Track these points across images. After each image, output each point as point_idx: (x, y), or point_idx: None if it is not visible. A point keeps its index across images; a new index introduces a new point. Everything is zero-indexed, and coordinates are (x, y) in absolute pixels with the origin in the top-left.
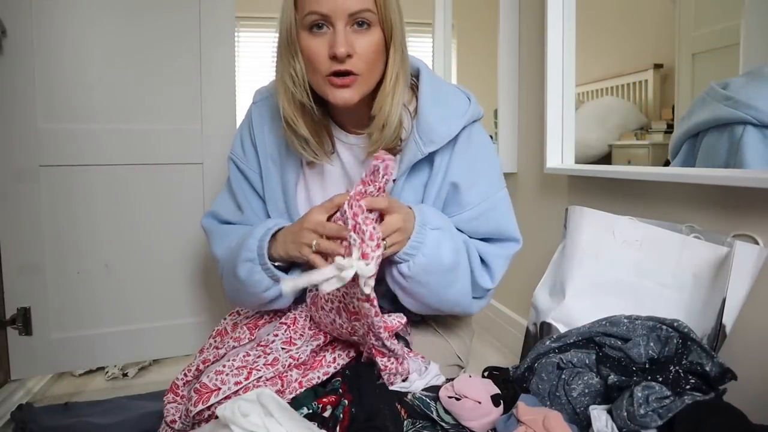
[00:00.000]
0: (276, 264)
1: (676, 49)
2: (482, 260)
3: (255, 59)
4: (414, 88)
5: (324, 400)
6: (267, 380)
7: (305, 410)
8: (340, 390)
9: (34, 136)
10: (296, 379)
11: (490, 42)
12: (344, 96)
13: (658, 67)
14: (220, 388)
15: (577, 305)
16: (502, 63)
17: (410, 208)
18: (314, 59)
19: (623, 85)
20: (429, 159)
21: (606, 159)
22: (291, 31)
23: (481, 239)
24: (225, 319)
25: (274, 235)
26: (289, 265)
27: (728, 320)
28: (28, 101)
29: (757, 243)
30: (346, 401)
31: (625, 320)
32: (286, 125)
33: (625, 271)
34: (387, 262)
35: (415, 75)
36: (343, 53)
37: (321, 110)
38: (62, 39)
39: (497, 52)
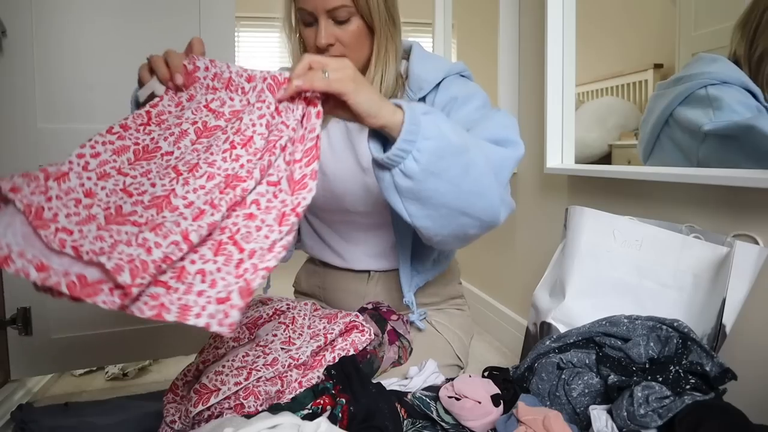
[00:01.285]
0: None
1: (676, 49)
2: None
3: (255, 59)
4: (407, 59)
5: (319, 401)
6: (267, 380)
7: (305, 410)
8: (333, 391)
9: (34, 136)
10: (296, 379)
11: (490, 42)
12: None
13: (658, 67)
14: (219, 389)
15: (577, 305)
16: (502, 63)
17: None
18: (308, 46)
19: (623, 85)
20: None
21: (606, 159)
22: (291, 20)
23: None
24: None
25: None
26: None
27: (728, 320)
28: (28, 101)
29: (757, 243)
30: (344, 400)
31: (625, 320)
32: None
33: (625, 271)
34: (383, 176)
35: (409, 50)
36: (323, 45)
37: None
38: (62, 39)
39: (497, 52)
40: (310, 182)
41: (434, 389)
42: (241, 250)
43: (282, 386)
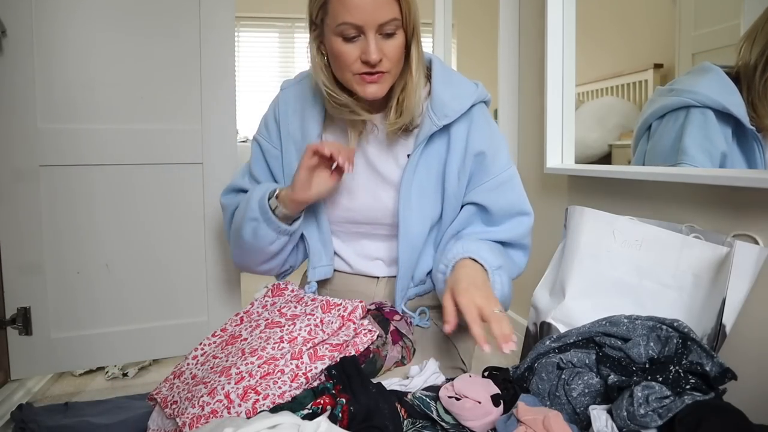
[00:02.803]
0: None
1: (676, 49)
2: (519, 245)
3: (255, 59)
4: (427, 76)
5: (319, 401)
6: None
7: (305, 410)
8: (333, 391)
9: (34, 136)
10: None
11: (490, 42)
12: (373, 90)
13: (658, 67)
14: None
15: (576, 305)
16: (502, 63)
17: (471, 258)
18: (346, 61)
19: (623, 85)
20: (446, 133)
21: (606, 159)
22: (318, 31)
23: (499, 214)
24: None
25: (276, 196)
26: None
27: (728, 320)
28: (28, 101)
29: (757, 243)
30: (344, 400)
31: (625, 320)
32: (328, 97)
33: (625, 271)
34: None
35: (427, 65)
36: (376, 60)
37: (344, 94)
38: (62, 39)
39: (497, 52)
40: (326, 359)
41: (434, 389)
42: (258, 393)
43: (271, 370)
